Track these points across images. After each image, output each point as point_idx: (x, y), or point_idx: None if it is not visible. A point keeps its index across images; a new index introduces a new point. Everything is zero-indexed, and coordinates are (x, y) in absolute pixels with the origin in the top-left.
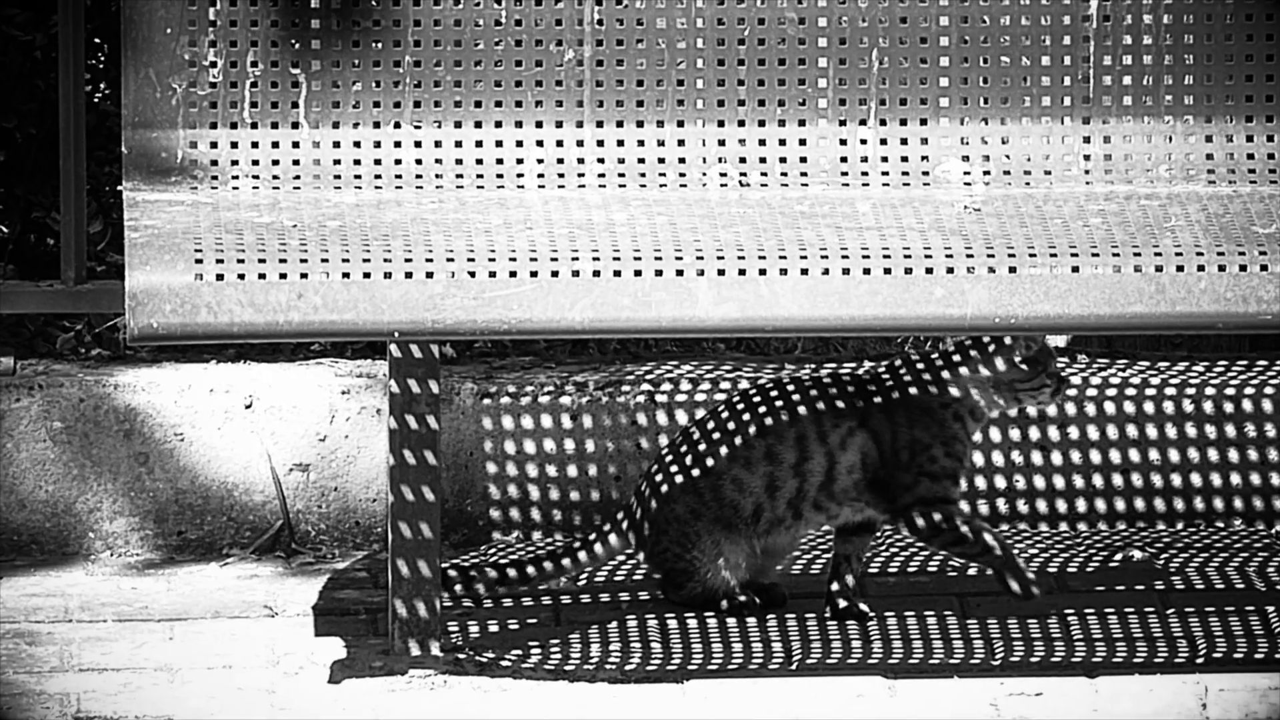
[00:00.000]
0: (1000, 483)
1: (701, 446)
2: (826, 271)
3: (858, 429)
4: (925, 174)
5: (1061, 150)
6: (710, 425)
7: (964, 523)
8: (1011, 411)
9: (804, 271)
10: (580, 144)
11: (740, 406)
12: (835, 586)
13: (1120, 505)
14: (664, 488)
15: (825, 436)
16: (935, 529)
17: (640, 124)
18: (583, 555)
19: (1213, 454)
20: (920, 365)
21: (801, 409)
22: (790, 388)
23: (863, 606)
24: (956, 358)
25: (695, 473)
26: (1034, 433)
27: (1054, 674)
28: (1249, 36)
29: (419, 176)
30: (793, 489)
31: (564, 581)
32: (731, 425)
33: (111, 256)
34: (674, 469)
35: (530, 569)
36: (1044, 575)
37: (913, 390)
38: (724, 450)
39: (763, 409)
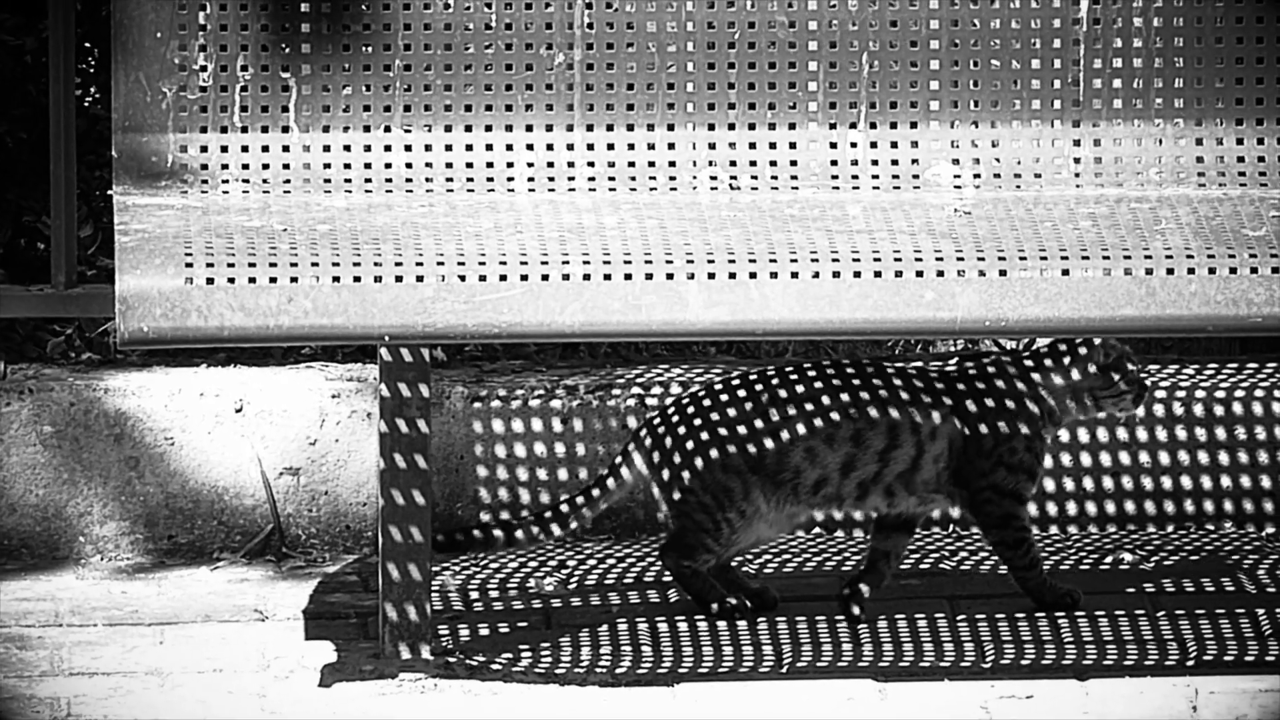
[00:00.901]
0: None
1: (770, 406)
2: (817, 275)
3: (947, 420)
4: (915, 177)
5: (1052, 153)
6: (777, 384)
7: (1028, 527)
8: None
9: (794, 275)
10: (570, 147)
11: (826, 380)
12: (864, 585)
13: (1110, 508)
14: (705, 434)
15: (918, 427)
16: (1005, 521)
17: (630, 127)
18: (596, 492)
19: (1203, 457)
20: (1009, 363)
21: (900, 395)
22: (886, 373)
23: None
24: (1047, 361)
25: (758, 424)
26: (580, 503)
27: (1044, 676)
28: (1239, 39)
29: (409, 180)
30: (870, 472)
31: (575, 527)
32: (816, 398)
33: (102, 260)
34: (730, 415)
35: (561, 508)
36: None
37: (1001, 385)
38: (804, 421)
39: (853, 389)
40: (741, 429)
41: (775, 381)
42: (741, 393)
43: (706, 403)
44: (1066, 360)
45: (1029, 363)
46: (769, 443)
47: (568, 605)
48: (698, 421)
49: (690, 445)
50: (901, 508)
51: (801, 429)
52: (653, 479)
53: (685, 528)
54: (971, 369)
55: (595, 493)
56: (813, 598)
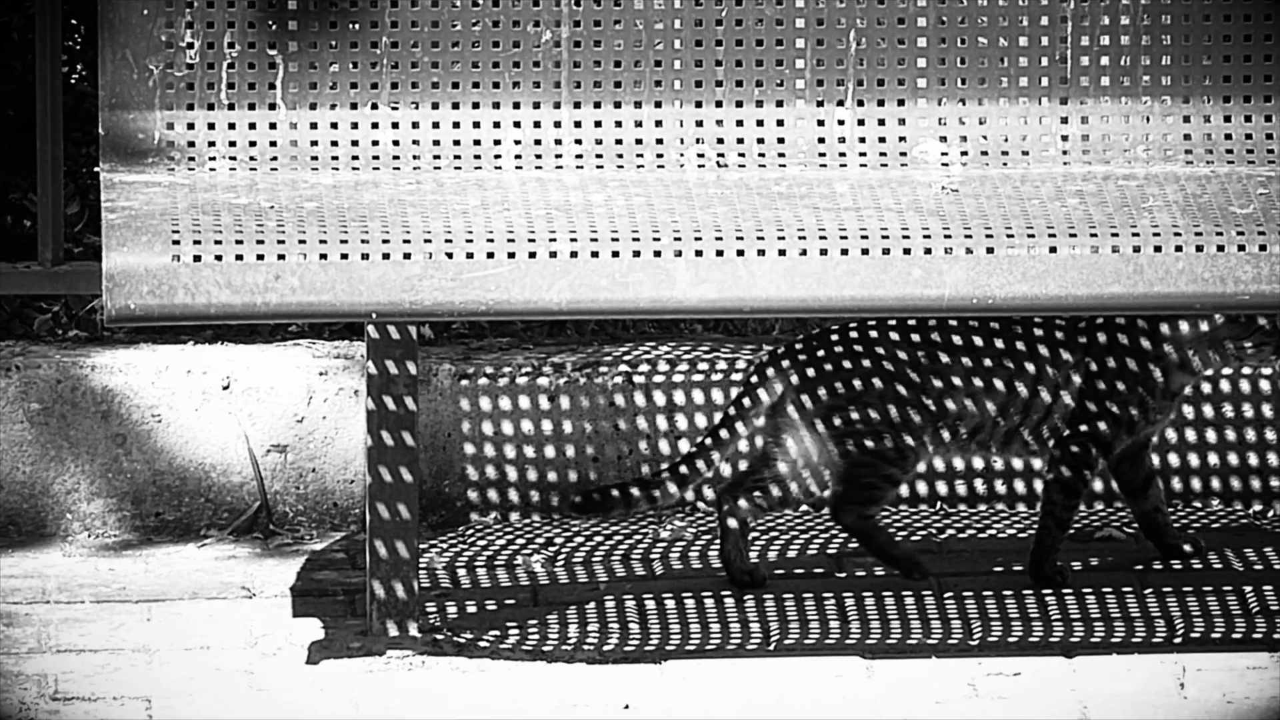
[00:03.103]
0: (978, 463)
1: (932, 348)
2: (804, 252)
3: (1078, 368)
4: (903, 155)
5: (1039, 131)
6: (934, 325)
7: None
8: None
9: (782, 252)
10: (558, 125)
11: (981, 326)
12: (1165, 537)
13: (1099, 485)
14: (867, 361)
15: (1055, 375)
16: (1079, 466)
17: (618, 105)
18: (724, 434)
19: (1190, 434)
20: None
21: (1039, 348)
22: (1030, 321)
23: (1186, 547)
24: None
25: (923, 362)
26: (723, 435)
27: (1032, 654)
28: (1226, 17)
29: (396, 158)
30: (1015, 421)
31: (710, 475)
32: (975, 344)
33: (89, 238)
34: (892, 352)
35: (697, 462)
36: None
37: (1123, 338)
38: (967, 366)
39: (1005, 337)
40: (906, 366)
41: (931, 324)
42: (894, 335)
43: (856, 337)
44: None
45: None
46: (936, 383)
47: (555, 582)
48: (857, 349)
49: (853, 376)
50: (1031, 452)
51: (965, 374)
52: (802, 410)
53: (855, 468)
54: (1100, 319)
55: (724, 435)
56: (800, 575)
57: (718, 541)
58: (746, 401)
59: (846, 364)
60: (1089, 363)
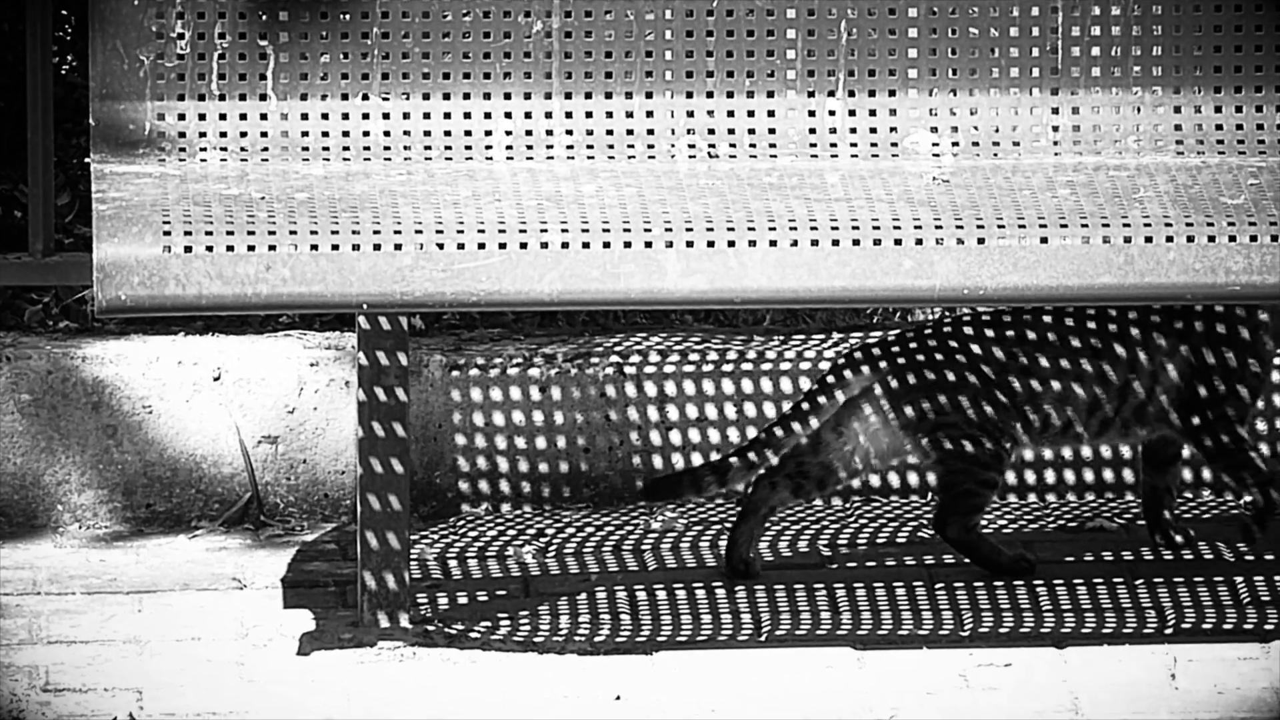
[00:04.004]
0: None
1: (1019, 346)
2: (795, 243)
3: (1178, 349)
4: (894, 145)
5: (1030, 121)
6: (1028, 321)
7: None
8: None
9: (773, 243)
10: (549, 116)
11: (1070, 319)
12: (1163, 516)
13: (1089, 476)
14: (962, 358)
15: (1151, 358)
16: (1224, 448)
17: (609, 95)
18: (823, 399)
19: None
20: None
21: (1131, 330)
22: (1118, 313)
23: (1178, 538)
24: None
25: (1011, 363)
26: (795, 427)
27: (1023, 644)
28: (1217, 7)
29: (387, 149)
30: (1111, 409)
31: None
32: (1065, 338)
33: (79, 229)
34: (983, 351)
35: (764, 448)
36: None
37: (1221, 309)
38: (1055, 364)
39: (1097, 326)
40: (998, 363)
41: (1026, 319)
42: (989, 331)
43: (949, 332)
44: None
45: None
46: (1026, 383)
47: (546, 574)
48: (951, 346)
49: (946, 378)
50: (1133, 439)
51: (1053, 372)
52: (892, 412)
53: (953, 475)
54: (1200, 307)
55: (795, 427)
56: (791, 566)
57: (709, 533)
58: (822, 399)
59: (940, 364)
60: (1195, 343)
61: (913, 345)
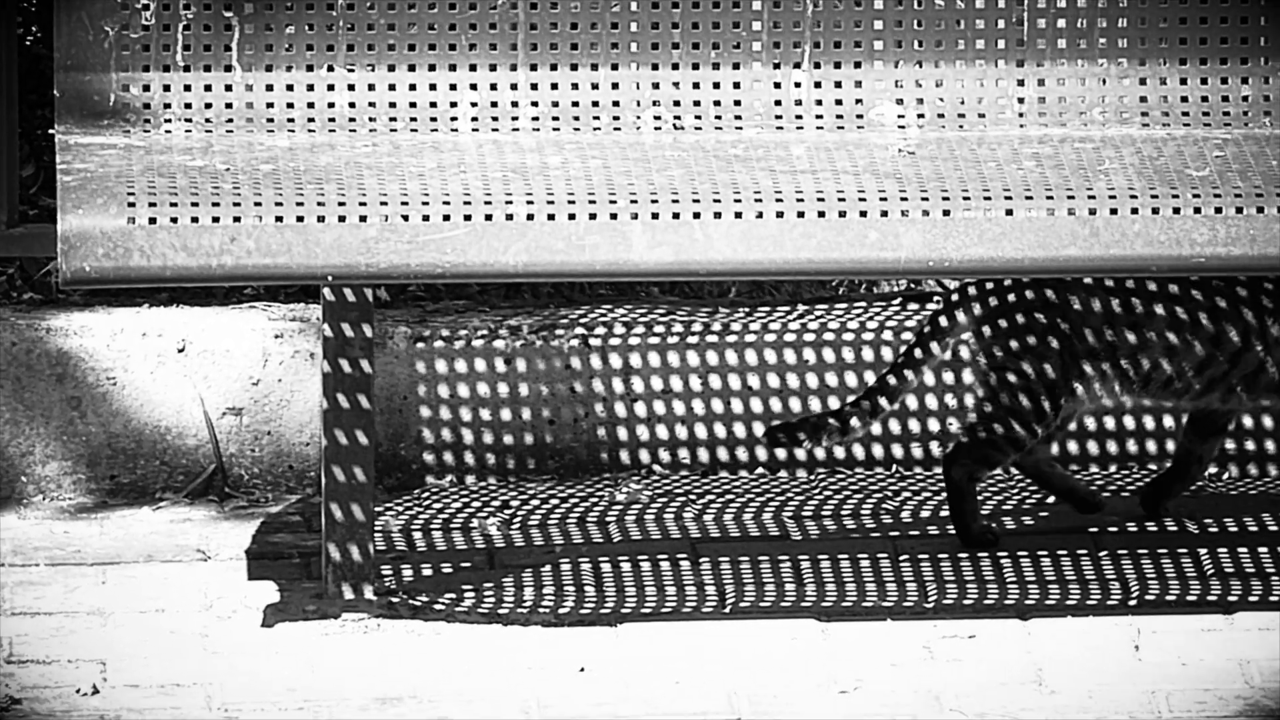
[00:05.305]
0: (934, 425)
1: (1134, 296)
2: (760, 215)
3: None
4: (859, 117)
5: (995, 93)
6: (1122, 280)
7: None
8: None
9: (738, 215)
10: (514, 87)
11: (1185, 286)
12: (1173, 489)
13: (1053, 449)
14: (1058, 307)
15: (1265, 330)
16: None
17: (574, 67)
18: (935, 346)
19: None
20: None
21: (1250, 301)
22: (1226, 279)
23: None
24: None
25: (1118, 312)
26: (967, 376)
27: (987, 616)
28: None
29: (352, 120)
30: (1220, 370)
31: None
32: (1180, 296)
33: (44, 200)
34: (1086, 302)
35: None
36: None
37: None
38: (1168, 317)
39: (1208, 293)
40: (1095, 316)
41: (1123, 279)
42: (1090, 280)
43: (1050, 291)
44: None
45: None
46: (1129, 334)
47: (511, 546)
48: (1048, 296)
49: (1032, 327)
50: (1232, 405)
51: (1164, 325)
52: (978, 350)
53: (987, 420)
54: None
55: (908, 375)
56: (756, 538)
57: (673, 505)
58: (935, 347)
59: (1032, 312)
60: None
61: (1016, 291)
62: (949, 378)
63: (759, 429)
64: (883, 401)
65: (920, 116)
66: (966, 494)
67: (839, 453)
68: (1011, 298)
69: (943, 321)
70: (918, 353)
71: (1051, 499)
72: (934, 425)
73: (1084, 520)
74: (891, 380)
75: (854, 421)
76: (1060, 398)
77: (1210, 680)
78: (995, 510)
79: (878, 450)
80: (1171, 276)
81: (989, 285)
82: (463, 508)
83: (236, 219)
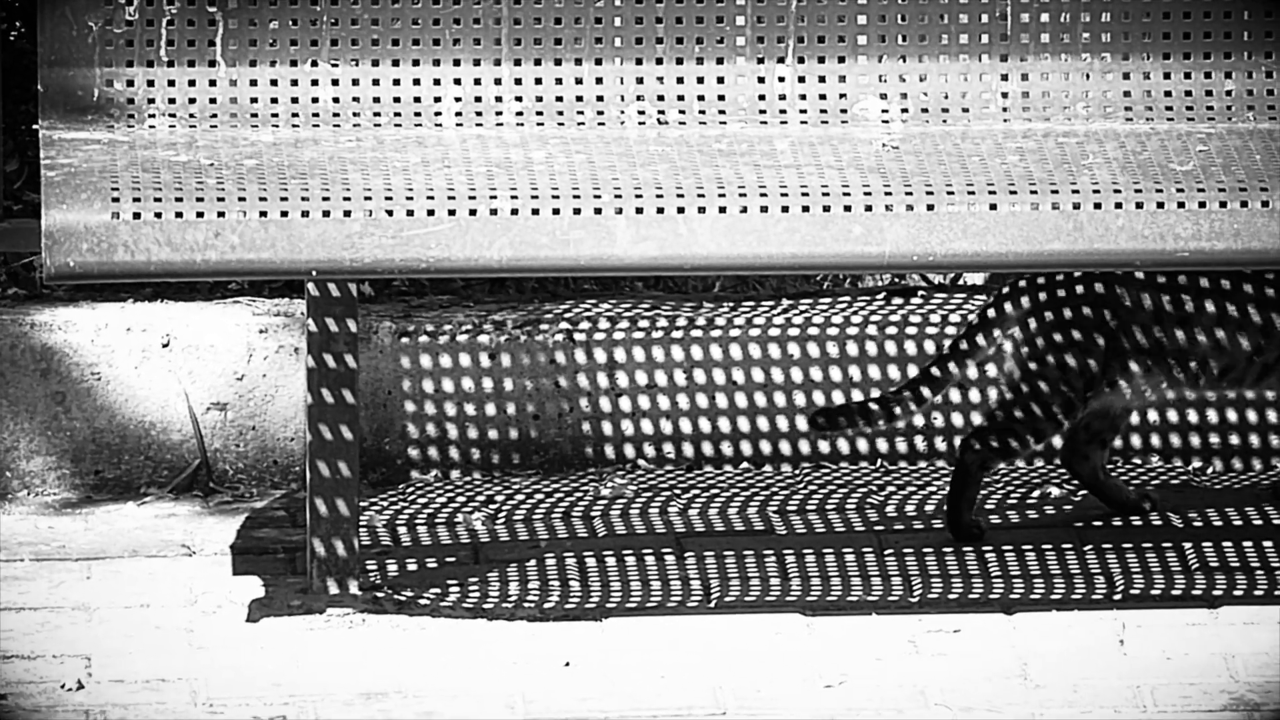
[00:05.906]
0: (919, 420)
1: (1180, 293)
2: (745, 210)
3: None
4: (843, 112)
5: (979, 88)
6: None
7: None
8: None
9: (722, 210)
10: (498, 82)
11: (1235, 280)
12: None
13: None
14: (1107, 301)
15: None
16: None
17: (558, 62)
18: (981, 339)
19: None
20: None
21: None
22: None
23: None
24: None
25: (1168, 309)
26: (952, 368)
27: (972, 610)
28: None
29: (336, 115)
30: (1273, 356)
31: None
32: (1227, 289)
33: (28, 195)
34: (1135, 298)
35: (927, 384)
36: (980, 513)
37: None
38: (1216, 310)
39: (1261, 284)
40: (1143, 311)
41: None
42: (1160, 278)
43: (1099, 286)
44: None
45: None
46: (1178, 329)
47: (496, 540)
48: (1098, 290)
49: (1076, 321)
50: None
51: (1212, 318)
52: (1026, 345)
53: (1011, 406)
54: None
55: (952, 368)
56: (740, 532)
57: (658, 499)
58: (981, 340)
59: (1081, 306)
60: None
61: (1066, 285)
62: (935, 371)
63: (744, 424)
64: (926, 391)
65: (904, 111)
66: (972, 481)
67: (823, 447)
68: (1061, 292)
69: (991, 314)
70: (964, 345)
71: (1035, 494)
72: (918, 420)
73: (1068, 514)
74: (936, 371)
75: (897, 409)
76: (1092, 391)
77: (1195, 675)
78: (979, 505)
79: (862, 444)
80: (1223, 271)
81: (1040, 280)
82: (447, 503)
83: (221, 214)
